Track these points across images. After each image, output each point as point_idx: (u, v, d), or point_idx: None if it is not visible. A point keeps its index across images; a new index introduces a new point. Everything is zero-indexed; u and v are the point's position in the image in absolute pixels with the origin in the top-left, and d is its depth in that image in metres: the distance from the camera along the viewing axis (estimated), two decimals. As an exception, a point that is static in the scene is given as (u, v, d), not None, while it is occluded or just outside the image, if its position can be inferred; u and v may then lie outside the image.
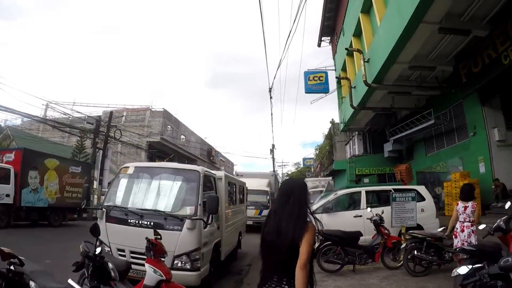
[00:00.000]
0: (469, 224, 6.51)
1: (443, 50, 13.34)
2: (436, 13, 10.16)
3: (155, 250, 4.46)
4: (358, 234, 7.92)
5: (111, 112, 26.44)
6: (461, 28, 11.44)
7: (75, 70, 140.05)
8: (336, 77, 23.94)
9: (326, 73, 27.42)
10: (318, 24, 29.40)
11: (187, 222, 5.64)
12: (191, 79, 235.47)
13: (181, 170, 6.86)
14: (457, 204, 6.88)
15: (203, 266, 5.92)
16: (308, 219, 2.51)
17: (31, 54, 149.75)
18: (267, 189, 19.38)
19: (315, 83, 27.01)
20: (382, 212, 8.33)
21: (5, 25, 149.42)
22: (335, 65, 26.53)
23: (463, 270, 4.47)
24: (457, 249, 5.86)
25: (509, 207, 6.01)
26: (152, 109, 39.88)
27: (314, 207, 9.48)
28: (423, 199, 10.05)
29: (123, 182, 6.64)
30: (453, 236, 6.84)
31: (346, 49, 17.88)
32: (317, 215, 2.81)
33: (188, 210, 5.92)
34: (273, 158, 38.79)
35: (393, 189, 9.98)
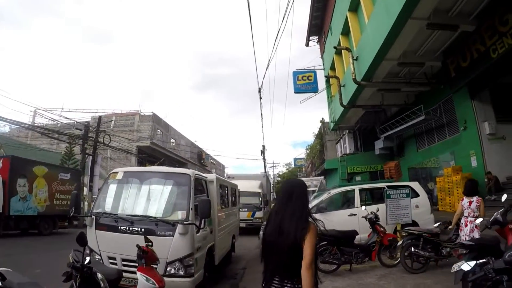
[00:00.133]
0: (473, 219, 6.51)
1: (432, 45, 13.36)
2: (424, 9, 10.15)
3: (146, 258, 4.33)
4: (354, 233, 7.82)
5: (100, 117, 26.17)
6: (449, 24, 11.48)
7: (63, 75, 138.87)
8: (325, 76, 23.92)
9: (314, 72, 27.44)
10: (306, 24, 29.39)
11: (179, 227, 5.50)
12: (179, 82, 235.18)
13: (172, 174, 6.70)
14: (462, 200, 6.92)
15: (197, 271, 5.80)
16: (309, 219, 2.51)
17: (17, 61, 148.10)
18: (259, 190, 19.30)
19: (304, 83, 27.01)
20: (377, 210, 8.26)
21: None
22: (323, 64, 26.54)
23: (467, 266, 4.37)
24: (456, 244, 5.78)
25: (505, 200, 5.97)
26: (141, 113, 39.60)
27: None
28: (417, 195, 10.00)
29: (112, 188, 6.47)
30: (459, 231, 6.84)
31: (335, 47, 17.83)
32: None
33: (179, 215, 5.77)
34: (264, 159, 38.58)
35: (387, 186, 9.91)
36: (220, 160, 70.35)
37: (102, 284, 3.94)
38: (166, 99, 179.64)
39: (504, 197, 6.02)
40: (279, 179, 74.09)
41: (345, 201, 10.70)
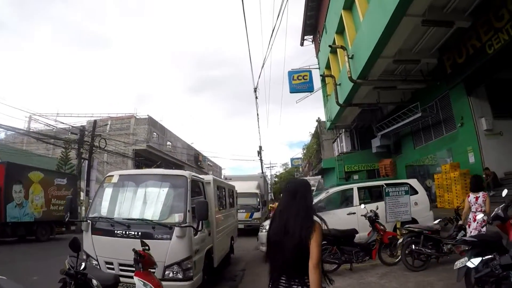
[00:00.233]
0: (482, 214, 6.48)
1: (427, 42, 13.35)
2: (419, 6, 10.14)
3: (143, 262, 4.23)
4: (353, 231, 7.75)
5: (95, 121, 25.95)
6: (444, 20, 11.48)
7: (57, 80, 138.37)
8: (321, 75, 23.91)
9: (310, 72, 27.35)
10: (300, 24, 29.32)
11: (177, 230, 5.40)
12: (174, 85, 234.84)
13: (168, 176, 6.61)
14: (468, 196, 6.95)
15: (196, 274, 5.70)
16: (314, 218, 2.52)
17: (11, 66, 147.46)
18: (257, 191, 19.21)
19: (300, 83, 26.91)
20: (377, 208, 8.20)
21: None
22: (318, 64, 26.51)
23: (473, 262, 4.32)
24: (458, 241, 5.72)
25: (506, 195, 5.92)
26: (137, 117, 39.34)
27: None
28: (416, 192, 9.95)
29: (108, 192, 6.37)
30: (467, 226, 6.83)
31: (330, 46, 17.74)
32: None
33: (176, 218, 5.67)
34: (261, 160, 38.56)
35: (385, 183, 9.85)
36: (217, 161, 70.19)
37: None
38: (161, 102, 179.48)
39: (504, 192, 5.97)
40: (276, 179, 74.09)
41: (344, 199, 10.61)
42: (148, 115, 39.75)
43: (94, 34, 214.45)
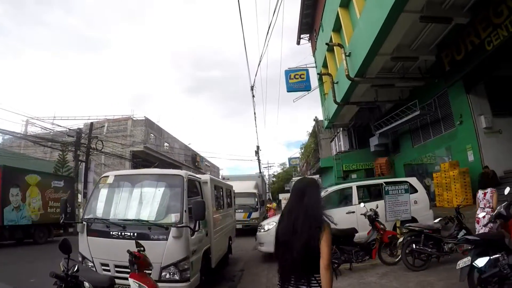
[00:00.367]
0: (490, 210, 6.59)
1: (425, 39, 13.24)
2: (417, 2, 10.01)
3: (139, 263, 4.12)
4: (353, 231, 7.66)
5: (92, 123, 26.00)
6: (443, 16, 11.35)
7: (54, 84, 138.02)
8: (318, 74, 23.77)
9: (307, 70, 27.28)
10: (297, 24, 29.24)
11: (173, 231, 5.32)
12: (171, 86, 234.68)
13: (164, 176, 6.54)
14: (477, 193, 7.08)
15: (193, 275, 5.60)
16: (323, 218, 2.51)
17: (7, 70, 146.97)
18: (255, 191, 19.17)
19: (297, 81, 26.86)
20: (377, 207, 8.10)
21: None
22: (315, 62, 26.34)
23: (481, 262, 4.21)
24: (460, 240, 5.61)
25: (508, 193, 5.82)
26: (134, 118, 39.30)
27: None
28: (415, 191, 9.87)
29: (103, 193, 6.29)
30: (476, 223, 6.87)
31: (327, 44, 17.63)
32: None
33: (173, 218, 5.59)
34: (259, 160, 38.47)
35: (384, 182, 9.74)
36: (214, 162, 70.17)
37: None
38: (158, 103, 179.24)
39: (507, 190, 5.87)
40: (274, 179, 74.12)
41: (343, 198, 10.52)
42: (145, 116, 39.76)
43: (91, 36, 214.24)
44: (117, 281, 4.70)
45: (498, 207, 5.69)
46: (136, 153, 35.80)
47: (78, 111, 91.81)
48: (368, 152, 23.58)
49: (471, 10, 11.21)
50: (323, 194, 10.39)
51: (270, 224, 9.92)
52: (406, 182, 9.66)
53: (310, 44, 30.72)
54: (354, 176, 24.50)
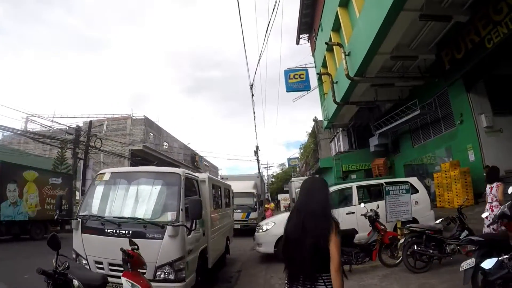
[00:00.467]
0: (497, 203, 6.52)
1: (425, 38, 13.15)
2: (417, 0, 9.93)
3: (132, 262, 4.01)
4: (353, 231, 7.52)
5: (91, 121, 25.89)
6: (442, 14, 11.32)
7: (54, 82, 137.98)
8: (317, 73, 23.69)
9: (306, 70, 27.24)
10: (296, 24, 29.22)
11: (169, 229, 5.21)
12: (170, 85, 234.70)
13: (160, 174, 6.39)
14: (486, 188, 7.04)
15: (189, 276, 5.48)
16: (332, 218, 2.52)
17: (8, 68, 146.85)
18: (253, 191, 19.06)
19: (296, 81, 26.82)
20: (378, 207, 7.96)
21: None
22: (315, 62, 26.25)
23: (488, 264, 4.08)
24: (464, 241, 5.48)
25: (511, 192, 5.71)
26: (133, 117, 39.32)
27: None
28: (416, 191, 9.75)
29: (99, 190, 6.18)
30: (485, 218, 6.71)
31: (326, 43, 17.54)
32: None
33: (169, 216, 5.47)
34: (258, 160, 38.38)
35: (385, 182, 9.62)
36: (213, 162, 70.05)
37: None
38: (158, 102, 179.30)
39: (510, 189, 5.75)
40: (273, 180, 74.11)
41: (342, 199, 10.38)
42: (144, 115, 39.89)
43: (91, 36, 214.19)
44: (111, 279, 4.63)
45: (501, 207, 5.58)
46: (135, 152, 35.82)
47: (78, 110, 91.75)
48: (367, 152, 23.46)
49: (471, 8, 11.13)
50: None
51: (269, 225, 9.80)
52: (407, 182, 9.52)
53: (309, 44, 30.71)
54: (353, 176, 24.37)
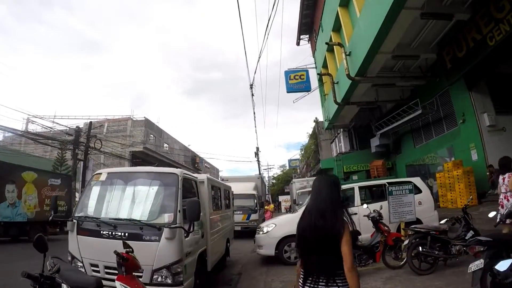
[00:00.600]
0: (510, 193, 6.44)
1: (426, 37, 13.06)
2: (417, -2, 9.86)
3: (126, 265, 3.84)
4: (356, 233, 7.34)
5: (90, 122, 25.80)
6: (444, 13, 11.24)
7: (55, 83, 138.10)
8: (318, 74, 23.58)
9: (307, 71, 27.19)
10: (296, 25, 29.14)
11: (166, 231, 5.04)
12: (171, 87, 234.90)
13: (158, 174, 6.21)
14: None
15: (187, 279, 5.32)
16: (344, 218, 2.51)
17: (9, 69, 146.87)
18: (254, 192, 18.87)
19: (296, 82, 26.78)
20: (381, 208, 7.83)
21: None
22: (315, 63, 26.18)
23: (503, 265, 3.92)
24: (471, 241, 5.31)
25: None
26: (133, 119, 39.29)
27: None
28: (419, 191, 9.57)
29: (96, 190, 6.03)
30: (499, 207, 6.62)
31: (327, 43, 17.45)
32: None
33: (166, 218, 5.32)
34: (258, 161, 38.27)
35: (387, 182, 9.46)
36: (214, 163, 69.97)
37: None
38: (158, 104, 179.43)
39: None
40: (274, 181, 73.95)
41: (344, 199, 10.23)
42: (145, 117, 39.86)
43: (92, 37, 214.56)
44: (106, 282, 4.39)
45: (509, 206, 5.44)
46: (135, 153, 35.81)
47: (79, 111, 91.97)
48: (369, 153, 23.37)
49: (472, 6, 11.05)
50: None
51: (269, 227, 9.64)
52: (410, 182, 9.36)
53: (309, 44, 30.64)
54: (355, 177, 24.29)
